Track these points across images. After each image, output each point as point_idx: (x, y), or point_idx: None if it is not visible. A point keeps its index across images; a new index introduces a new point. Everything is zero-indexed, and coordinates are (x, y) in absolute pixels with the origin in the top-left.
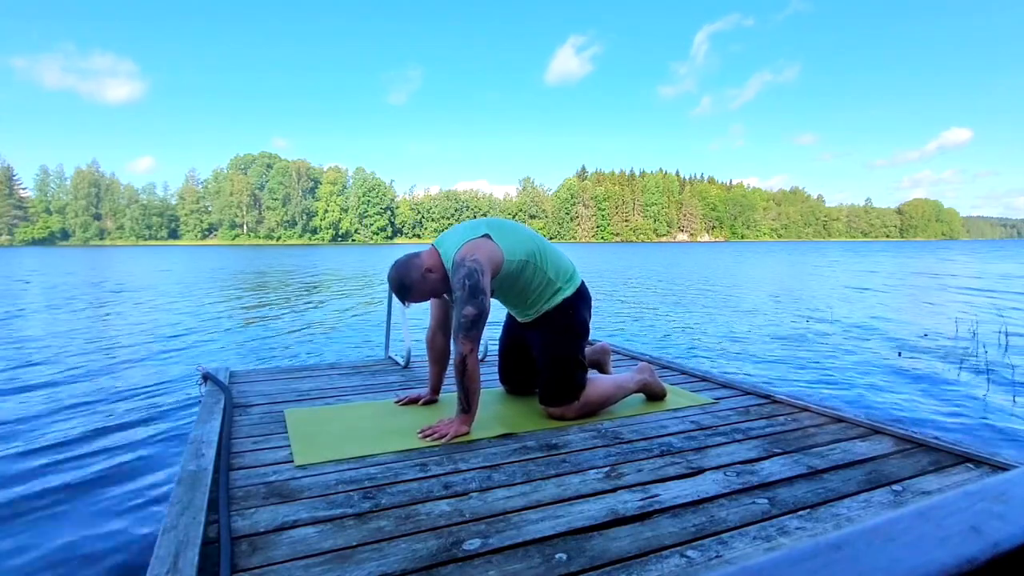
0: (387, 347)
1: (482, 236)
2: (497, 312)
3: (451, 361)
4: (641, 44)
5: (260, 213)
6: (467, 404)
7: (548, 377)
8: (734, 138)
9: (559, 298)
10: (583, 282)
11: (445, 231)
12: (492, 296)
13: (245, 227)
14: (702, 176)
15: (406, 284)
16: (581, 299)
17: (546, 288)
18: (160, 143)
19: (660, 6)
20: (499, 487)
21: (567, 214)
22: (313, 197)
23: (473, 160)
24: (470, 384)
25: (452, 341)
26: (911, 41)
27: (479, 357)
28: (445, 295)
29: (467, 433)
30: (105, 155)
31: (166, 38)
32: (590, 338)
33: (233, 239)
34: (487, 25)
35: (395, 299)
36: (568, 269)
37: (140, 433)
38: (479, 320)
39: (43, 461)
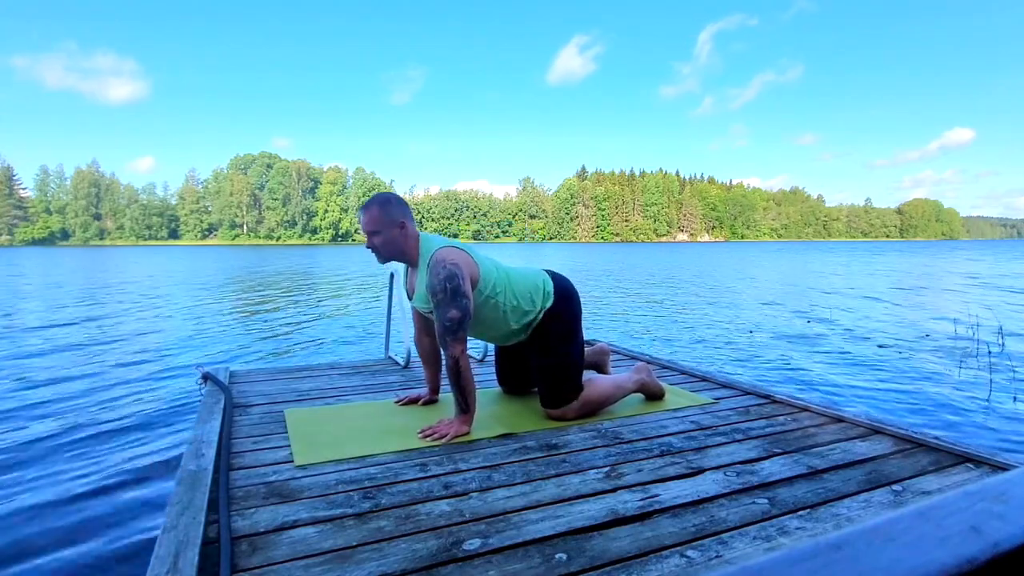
0: (387, 347)
1: (463, 250)
2: None
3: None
4: (645, 43)
5: (260, 213)
6: (465, 404)
7: (546, 380)
8: (735, 138)
9: (540, 315)
10: (560, 284)
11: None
12: (474, 336)
13: (245, 227)
14: (702, 176)
15: (386, 204)
16: (565, 302)
17: (520, 317)
18: (161, 143)
19: (666, 5)
20: (499, 487)
21: (567, 214)
22: (313, 197)
23: (473, 160)
24: (465, 384)
25: (440, 346)
26: (914, 41)
27: (479, 358)
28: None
29: (467, 433)
30: (106, 155)
31: (169, 38)
32: (589, 339)
33: (233, 239)
34: (491, 25)
35: (394, 299)
36: (538, 288)
37: (140, 433)
38: (463, 322)
39: (42, 461)
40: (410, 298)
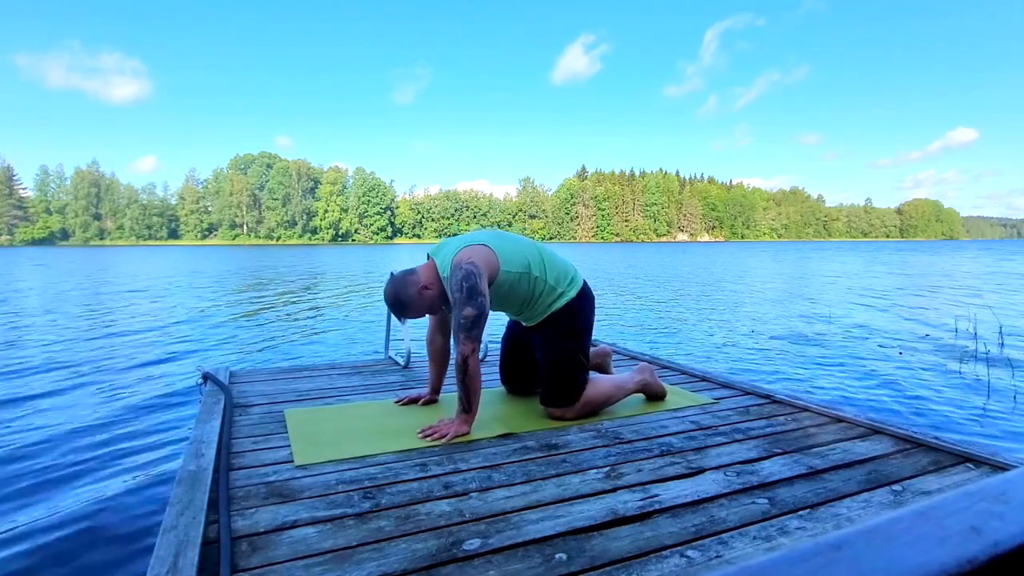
0: (387, 347)
1: (479, 245)
2: (500, 313)
3: (451, 361)
4: (652, 43)
5: (260, 213)
6: (468, 404)
7: (551, 378)
8: (739, 137)
9: (562, 302)
10: (585, 282)
11: (443, 240)
12: (492, 307)
13: (245, 227)
14: (702, 176)
15: (402, 301)
16: (584, 300)
17: (547, 295)
18: (164, 142)
19: (674, 3)
20: (499, 487)
21: (567, 214)
22: (313, 197)
23: (475, 160)
24: (471, 384)
25: (453, 342)
26: (920, 40)
27: (480, 357)
28: (444, 308)
29: (467, 433)
30: (109, 155)
31: (172, 37)
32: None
33: (233, 239)
34: (498, 24)
35: None
36: (569, 273)
37: (140, 433)
38: (479, 321)
39: (42, 461)
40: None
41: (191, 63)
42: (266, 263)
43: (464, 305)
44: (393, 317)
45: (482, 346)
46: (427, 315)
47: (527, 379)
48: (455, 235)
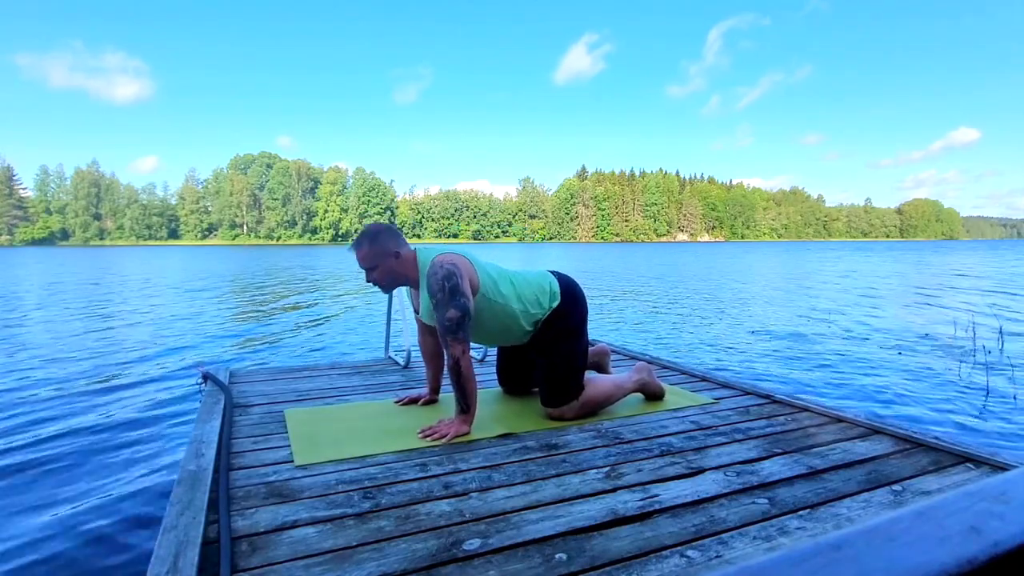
0: (387, 347)
1: (462, 255)
2: None
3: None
4: (656, 42)
5: (260, 213)
6: (465, 404)
7: (548, 378)
8: (740, 137)
9: (547, 314)
10: (565, 283)
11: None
12: (480, 342)
13: (245, 227)
14: (702, 176)
15: (376, 238)
16: (571, 302)
17: (529, 320)
18: (165, 142)
19: (678, 3)
20: (499, 487)
21: (567, 214)
22: (313, 197)
23: (475, 160)
24: (466, 385)
25: (442, 346)
26: (923, 40)
27: (480, 358)
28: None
29: (467, 433)
30: (110, 155)
31: (174, 37)
32: (590, 339)
33: (233, 239)
34: (500, 24)
35: (394, 299)
36: (545, 288)
37: (140, 433)
38: (463, 322)
39: (42, 461)
40: (416, 312)
41: (192, 63)
42: (269, 263)
43: (447, 307)
44: (393, 312)
45: (482, 346)
46: (367, 271)
47: (524, 379)
48: (452, 237)
